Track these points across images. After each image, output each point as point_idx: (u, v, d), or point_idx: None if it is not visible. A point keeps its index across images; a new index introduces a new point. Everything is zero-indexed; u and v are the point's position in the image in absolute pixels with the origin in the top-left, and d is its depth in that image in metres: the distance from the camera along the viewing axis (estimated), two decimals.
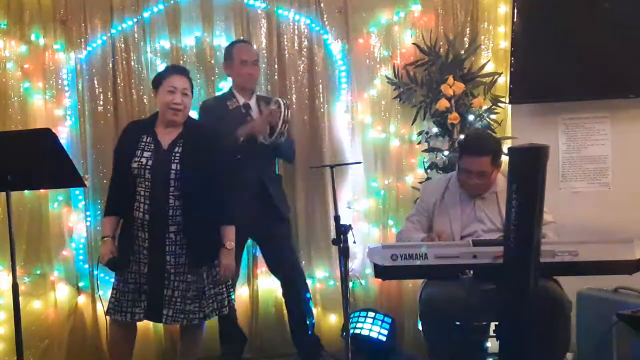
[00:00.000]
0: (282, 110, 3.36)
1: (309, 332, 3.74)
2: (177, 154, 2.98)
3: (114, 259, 2.95)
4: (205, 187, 2.97)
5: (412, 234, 3.09)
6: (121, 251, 2.98)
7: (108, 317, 3.08)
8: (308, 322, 3.74)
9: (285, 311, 3.98)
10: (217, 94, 3.89)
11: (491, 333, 2.99)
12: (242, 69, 3.59)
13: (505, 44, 3.95)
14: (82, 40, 3.97)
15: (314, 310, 3.89)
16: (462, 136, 3.72)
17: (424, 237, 3.00)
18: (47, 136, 2.63)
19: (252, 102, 3.63)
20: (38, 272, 3.99)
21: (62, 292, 4.01)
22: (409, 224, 3.20)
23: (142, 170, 2.95)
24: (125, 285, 2.98)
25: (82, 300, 4.00)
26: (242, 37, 3.91)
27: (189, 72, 3.18)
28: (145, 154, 2.98)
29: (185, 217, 2.95)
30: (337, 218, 2.92)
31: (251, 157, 3.46)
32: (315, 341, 3.76)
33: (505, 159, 3.08)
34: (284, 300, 3.79)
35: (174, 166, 2.95)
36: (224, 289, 3.14)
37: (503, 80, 3.93)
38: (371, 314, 3.75)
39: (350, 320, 3.56)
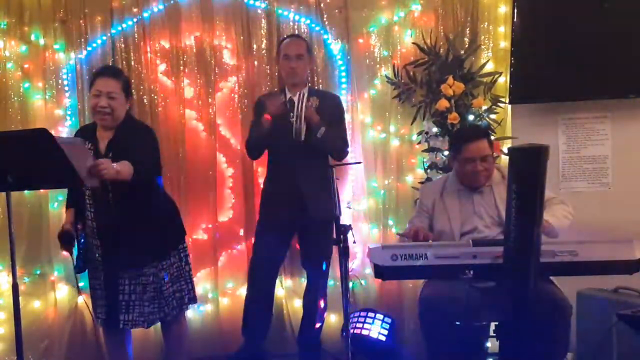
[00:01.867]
0: (296, 104, 3.35)
1: (314, 336, 3.74)
2: (111, 157, 2.92)
3: (64, 233, 2.99)
4: (142, 186, 2.93)
5: None
6: (81, 257, 3.05)
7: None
8: (315, 326, 3.74)
9: (285, 311, 4.00)
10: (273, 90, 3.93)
11: (491, 333, 2.99)
12: (285, 63, 3.58)
13: (505, 44, 3.95)
14: (82, 40, 3.97)
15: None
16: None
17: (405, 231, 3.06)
18: (43, 136, 2.61)
19: (298, 98, 3.55)
20: (38, 272, 3.99)
21: (62, 292, 4.01)
22: (410, 225, 3.21)
23: None
24: (92, 292, 3.10)
25: (82, 300, 3.99)
26: (294, 33, 3.90)
27: (121, 73, 3.15)
28: None
29: (130, 218, 2.93)
30: (337, 218, 2.91)
31: (288, 155, 3.47)
32: (316, 344, 3.76)
33: (505, 158, 3.10)
34: (302, 298, 3.80)
35: None
36: (184, 285, 3.16)
37: (503, 80, 3.93)
38: (371, 314, 3.75)
39: (350, 320, 3.55)
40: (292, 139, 3.39)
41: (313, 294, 3.69)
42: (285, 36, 3.81)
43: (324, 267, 3.67)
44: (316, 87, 3.93)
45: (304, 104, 3.36)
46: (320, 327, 3.77)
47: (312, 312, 3.70)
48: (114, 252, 2.99)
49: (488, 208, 3.09)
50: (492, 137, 3.74)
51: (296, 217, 3.51)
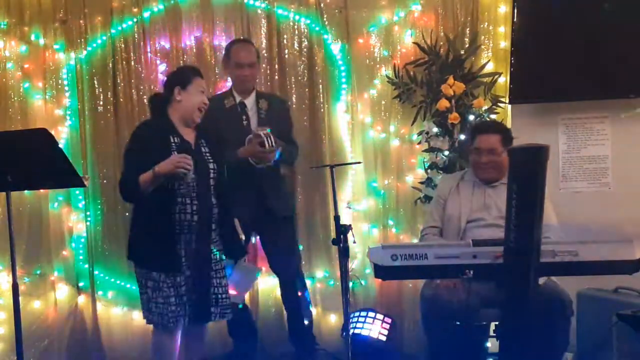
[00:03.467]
0: (265, 141, 3.25)
1: (306, 333, 3.74)
2: (208, 153, 2.98)
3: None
4: (225, 182, 3.03)
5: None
6: (166, 256, 2.86)
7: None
8: (305, 323, 3.73)
9: (284, 311, 4.00)
10: (218, 92, 3.88)
11: (491, 333, 2.99)
12: (237, 71, 3.57)
13: (505, 44, 3.95)
14: (82, 40, 3.98)
15: (313, 311, 3.90)
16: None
17: None
18: (42, 136, 2.62)
19: (249, 101, 3.58)
20: (38, 272, 4.00)
21: (62, 292, 4.01)
22: (429, 229, 3.28)
23: (190, 172, 2.87)
24: (172, 290, 2.86)
25: (82, 300, 4.00)
26: (242, 37, 3.90)
27: None
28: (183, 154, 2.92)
29: (221, 213, 2.98)
30: (337, 218, 2.92)
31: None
32: (310, 344, 3.76)
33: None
34: (281, 299, 3.78)
35: (211, 165, 2.96)
36: None
37: (503, 80, 3.93)
38: (371, 314, 3.74)
39: (350, 320, 3.55)
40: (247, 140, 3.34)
41: (290, 295, 3.68)
42: (234, 39, 3.77)
43: (297, 273, 3.68)
44: (293, 89, 3.96)
45: (271, 139, 3.27)
46: (310, 325, 3.76)
47: (294, 313, 3.70)
48: (208, 247, 2.95)
49: (499, 203, 3.11)
50: None
51: (254, 217, 3.45)
